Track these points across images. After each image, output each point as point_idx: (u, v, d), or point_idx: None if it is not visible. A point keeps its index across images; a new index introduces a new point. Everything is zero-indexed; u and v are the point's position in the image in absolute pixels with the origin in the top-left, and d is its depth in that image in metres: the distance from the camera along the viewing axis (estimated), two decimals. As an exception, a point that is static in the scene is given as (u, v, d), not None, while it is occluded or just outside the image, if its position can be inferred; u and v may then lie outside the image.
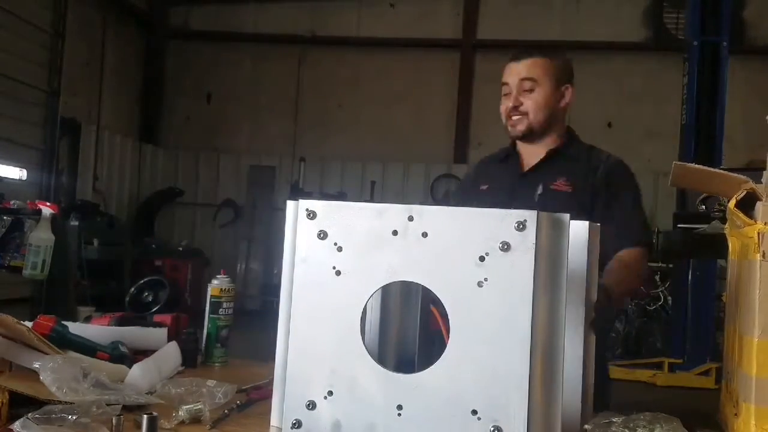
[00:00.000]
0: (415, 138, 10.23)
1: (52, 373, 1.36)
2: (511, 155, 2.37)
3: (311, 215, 1.20)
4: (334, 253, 1.19)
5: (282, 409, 1.20)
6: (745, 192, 1.33)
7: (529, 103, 2.23)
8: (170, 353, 1.80)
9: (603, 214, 2.06)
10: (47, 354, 1.48)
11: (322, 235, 1.20)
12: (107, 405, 1.31)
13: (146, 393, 1.49)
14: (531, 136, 2.26)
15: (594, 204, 2.17)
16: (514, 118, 2.25)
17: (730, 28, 6.78)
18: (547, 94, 2.23)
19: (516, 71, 2.25)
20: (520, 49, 2.32)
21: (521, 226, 1.12)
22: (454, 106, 10.27)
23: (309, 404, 1.18)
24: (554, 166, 2.26)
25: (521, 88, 2.23)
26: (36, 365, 1.40)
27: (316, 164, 10.44)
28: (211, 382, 1.52)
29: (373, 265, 1.18)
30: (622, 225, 2.13)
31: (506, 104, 2.26)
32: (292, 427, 1.18)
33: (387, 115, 10.33)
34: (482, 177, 2.40)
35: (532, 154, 2.31)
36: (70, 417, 1.22)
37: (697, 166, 1.59)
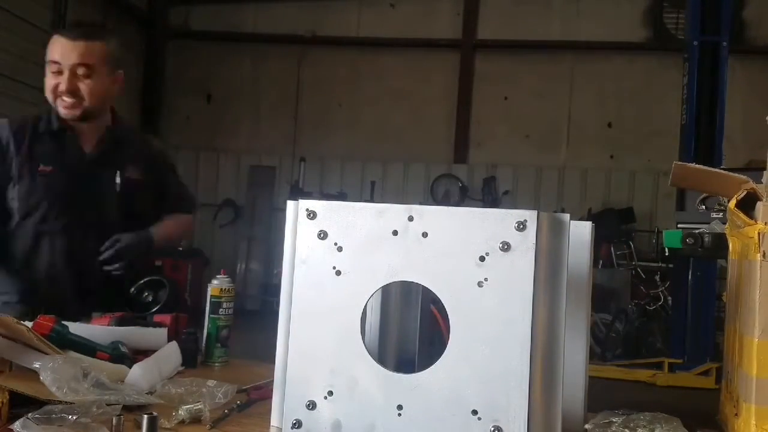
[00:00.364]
0: (415, 138, 10.23)
1: (53, 373, 1.36)
2: (64, 132, 2.33)
3: (311, 215, 1.21)
4: (335, 253, 1.19)
5: (282, 409, 1.21)
6: (745, 192, 1.33)
7: (86, 90, 2.24)
8: (170, 353, 1.80)
9: (161, 193, 2.45)
10: (47, 354, 1.48)
11: (323, 235, 1.20)
12: (107, 405, 1.31)
13: (146, 393, 1.49)
14: (87, 119, 2.30)
15: (158, 188, 2.45)
16: (68, 100, 2.24)
17: (730, 28, 6.77)
18: (104, 81, 2.27)
19: (70, 53, 2.22)
20: (75, 28, 2.35)
21: (521, 226, 1.12)
22: (454, 106, 10.26)
23: (309, 404, 1.18)
24: (118, 151, 2.37)
25: (75, 71, 2.22)
26: (36, 365, 1.40)
27: (316, 164, 10.43)
28: (211, 382, 1.52)
29: (373, 265, 1.18)
30: (178, 199, 2.55)
31: (55, 82, 2.23)
32: (292, 427, 1.18)
33: (387, 115, 10.33)
34: (40, 154, 2.30)
35: (87, 132, 2.34)
36: (70, 417, 1.22)
37: (697, 166, 1.59)
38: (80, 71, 2.22)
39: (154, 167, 2.46)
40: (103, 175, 2.33)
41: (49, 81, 2.25)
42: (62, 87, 2.23)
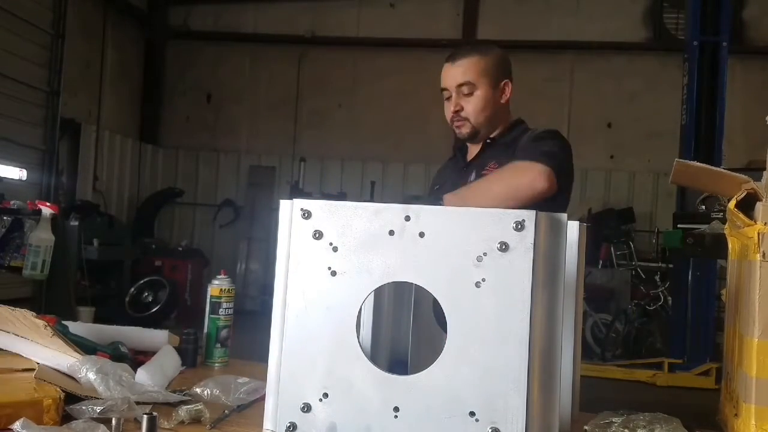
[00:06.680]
0: (415, 138, 10.22)
1: (98, 372, 1.40)
2: (458, 151, 2.44)
3: (306, 215, 1.19)
4: (330, 254, 1.18)
5: (276, 412, 1.19)
6: (745, 193, 1.32)
7: (469, 108, 2.22)
8: (169, 354, 1.79)
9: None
10: (60, 351, 1.49)
11: (318, 235, 1.18)
12: (137, 403, 1.33)
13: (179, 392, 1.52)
14: (476, 136, 2.27)
15: None
16: (458, 122, 2.25)
17: (730, 28, 6.77)
18: (486, 95, 2.22)
19: (452, 75, 2.23)
20: (455, 50, 2.30)
21: (519, 226, 1.12)
22: (454, 106, 10.25)
23: (304, 407, 1.17)
24: (489, 154, 2.27)
25: (460, 92, 2.22)
26: (69, 364, 1.44)
27: (316, 164, 10.43)
28: (242, 379, 1.55)
29: (369, 265, 1.17)
30: (521, 151, 2.09)
31: (449, 109, 2.26)
32: (286, 431, 1.17)
33: (387, 115, 10.32)
34: (437, 178, 2.49)
35: (475, 147, 2.35)
36: (112, 414, 1.25)
37: (698, 164, 1.58)
38: (464, 90, 2.22)
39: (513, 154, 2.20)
40: (463, 181, 2.27)
41: (446, 109, 2.29)
42: (451, 108, 2.25)
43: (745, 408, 1.27)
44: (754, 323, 1.24)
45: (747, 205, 1.33)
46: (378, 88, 10.39)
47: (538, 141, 2.15)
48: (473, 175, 2.24)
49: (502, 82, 2.27)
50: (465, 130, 2.25)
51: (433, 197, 2.29)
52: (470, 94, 2.21)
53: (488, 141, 2.28)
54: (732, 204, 1.33)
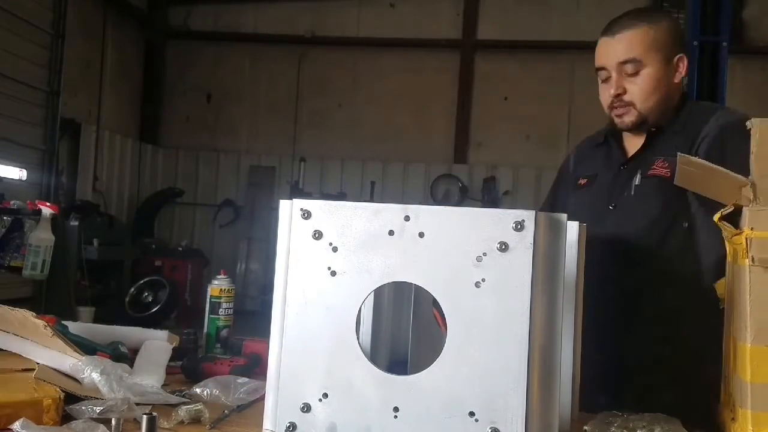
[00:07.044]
0: (415, 138, 10.22)
1: (102, 373, 1.40)
2: (609, 139, 2.01)
3: (306, 215, 1.20)
4: (329, 254, 1.18)
5: (276, 412, 1.20)
6: (732, 208, 1.30)
7: (635, 90, 1.83)
8: (150, 348, 1.79)
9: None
10: (60, 350, 1.50)
11: (317, 235, 1.19)
12: (136, 405, 1.33)
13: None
14: (643, 126, 1.87)
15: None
16: (619, 109, 1.87)
17: (730, 28, 6.78)
18: (656, 74, 1.82)
19: (612, 51, 1.84)
20: (615, 20, 1.88)
21: (519, 226, 1.12)
22: (454, 106, 10.26)
23: (303, 407, 1.17)
24: (655, 147, 1.86)
25: (622, 72, 1.84)
26: (70, 364, 1.44)
27: (316, 164, 10.43)
28: (242, 379, 1.55)
29: (369, 265, 1.17)
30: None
31: (607, 92, 1.88)
32: (286, 431, 1.18)
33: (387, 115, 10.32)
34: (581, 168, 2.06)
35: (636, 137, 1.93)
36: (112, 414, 1.26)
37: (699, 160, 1.55)
38: (628, 69, 1.82)
39: (700, 150, 1.77)
40: (623, 183, 1.88)
41: (601, 93, 1.92)
42: (611, 91, 1.85)
43: (742, 413, 1.27)
44: (747, 328, 1.24)
45: (735, 212, 1.32)
46: (378, 88, 10.39)
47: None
48: (638, 178, 1.85)
49: (676, 57, 1.85)
50: (629, 119, 1.86)
51: (579, 194, 1.98)
52: (636, 73, 1.82)
53: (653, 130, 1.87)
54: (717, 217, 1.32)
